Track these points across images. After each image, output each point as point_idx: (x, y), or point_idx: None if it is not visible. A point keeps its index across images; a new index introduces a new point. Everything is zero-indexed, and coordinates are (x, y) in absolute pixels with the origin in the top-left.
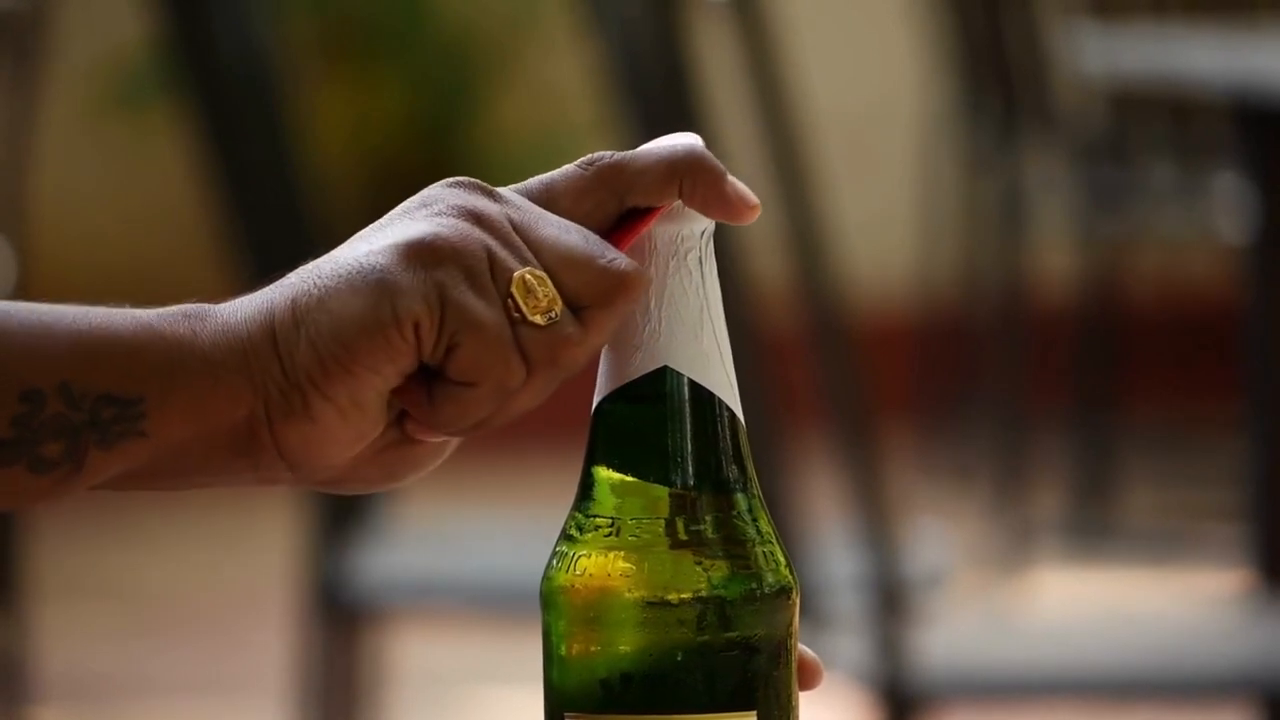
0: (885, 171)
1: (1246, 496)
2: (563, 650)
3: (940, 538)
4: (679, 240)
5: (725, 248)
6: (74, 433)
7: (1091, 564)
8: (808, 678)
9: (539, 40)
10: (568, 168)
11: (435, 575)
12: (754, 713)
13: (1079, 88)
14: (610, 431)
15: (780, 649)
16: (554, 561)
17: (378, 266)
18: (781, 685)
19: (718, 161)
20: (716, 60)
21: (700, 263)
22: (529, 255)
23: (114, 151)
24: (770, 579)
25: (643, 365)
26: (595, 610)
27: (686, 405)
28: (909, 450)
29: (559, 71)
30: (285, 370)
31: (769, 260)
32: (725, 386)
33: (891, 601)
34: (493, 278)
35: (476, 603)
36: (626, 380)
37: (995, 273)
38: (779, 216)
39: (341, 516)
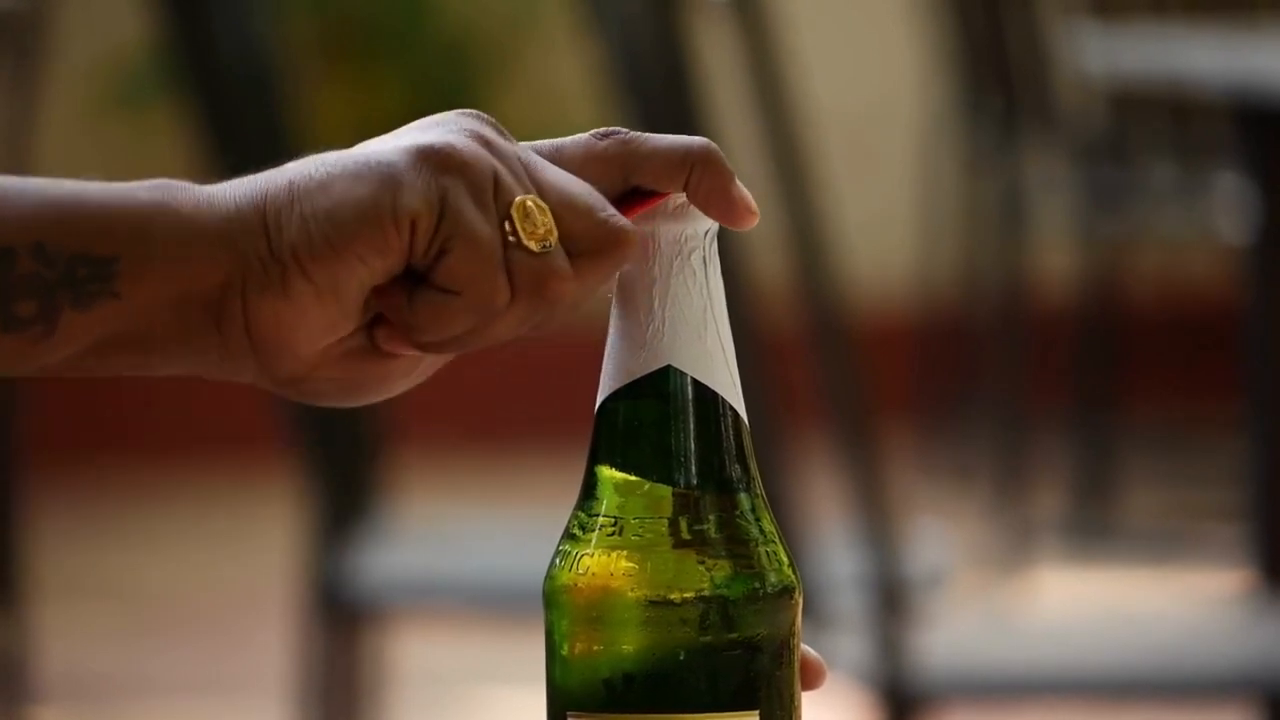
0: (885, 171)
1: (1246, 496)
2: (565, 649)
3: (940, 538)
4: (683, 240)
5: (728, 248)
6: (48, 291)
7: (1091, 564)
8: (810, 677)
9: (539, 40)
10: (579, 135)
11: (435, 575)
12: (756, 712)
13: (1079, 88)
14: (613, 431)
15: (783, 649)
16: (557, 560)
17: (386, 161)
18: (784, 685)
19: (729, 164)
20: (716, 60)
21: (704, 262)
22: (533, 189)
23: (114, 151)
24: (773, 578)
25: (646, 364)
26: (598, 609)
27: (690, 405)
28: (909, 450)
29: (559, 71)
30: (271, 244)
31: (769, 260)
32: (728, 386)
33: (892, 601)
34: (495, 198)
35: (476, 603)
36: (630, 379)
37: (995, 273)
38: (779, 216)
39: (342, 516)
